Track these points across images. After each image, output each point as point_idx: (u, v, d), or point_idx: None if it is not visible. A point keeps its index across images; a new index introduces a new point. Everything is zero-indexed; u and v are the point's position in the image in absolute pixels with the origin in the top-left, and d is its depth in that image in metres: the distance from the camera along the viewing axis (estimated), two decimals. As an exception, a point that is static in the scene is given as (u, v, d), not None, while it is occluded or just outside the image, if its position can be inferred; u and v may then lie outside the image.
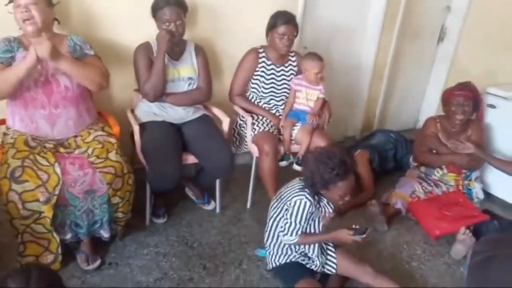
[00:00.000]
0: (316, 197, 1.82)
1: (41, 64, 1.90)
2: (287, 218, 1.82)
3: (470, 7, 3.45)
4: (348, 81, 3.41)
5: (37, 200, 1.80)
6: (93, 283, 1.96)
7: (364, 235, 1.80)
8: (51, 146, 1.96)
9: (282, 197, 1.89)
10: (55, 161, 1.87)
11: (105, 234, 2.04)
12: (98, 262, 2.04)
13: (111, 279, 2.00)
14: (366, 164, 2.97)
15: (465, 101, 2.66)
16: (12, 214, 1.81)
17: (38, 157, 1.86)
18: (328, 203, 1.89)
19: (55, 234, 1.89)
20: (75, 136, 2.06)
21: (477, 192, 2.80)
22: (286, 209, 1.83)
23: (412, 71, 3.75)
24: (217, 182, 2.49)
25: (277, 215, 1.90)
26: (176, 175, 2.18)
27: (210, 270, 2.12)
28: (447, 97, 2.76)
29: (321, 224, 1.90)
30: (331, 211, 1.90)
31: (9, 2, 1.93)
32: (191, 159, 2.31)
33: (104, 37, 2.33)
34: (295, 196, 1.80)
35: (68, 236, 1.96)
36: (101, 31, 2.33)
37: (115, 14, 2.32)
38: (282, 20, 2.43)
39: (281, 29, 2.43)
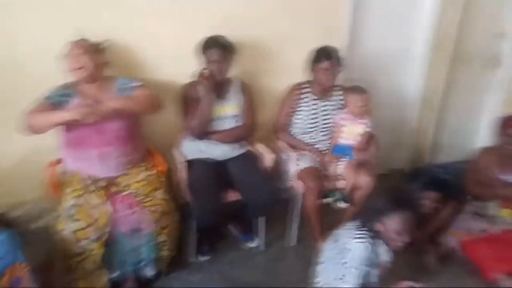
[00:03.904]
0: (375, 240, 1.75)
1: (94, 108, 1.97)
2: (346, 262, 1.74)
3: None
4: (396, 111, 3.31)
5: (88, 238, 1.86)
6: (138, 321, 1.97)
7: None
8: (103, 184, 2.03)
9: (340, 239, 1.83)
10: (106, 199, 1.93)
11: (150, 272, 2.07)
12: (142, 300, 2.07)
13: (155, 318, 2.01)
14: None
15: None
16: (66, 252, 1.88)
17: (90, 196, 1.94)
18: (386, 251, 1.79)
19: (103, 271, 1.94)
20: (125, 174, 2.12)
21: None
22: (340, 253, 1.77)
23: (465, 100, 3.57)
24: (261, 218, 2.47)
25: (334, 257, 1.83)
26: (218, 212, 2.18)
27: (254, 311, 2.07)
28: (501, 126, 2.61)
29: (377, 273, 1.79)
30: (388, 259, 1.80)
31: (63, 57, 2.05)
32: (234, 195, 2.31)
33: (148, 77, 2.42)
34: (355, 239, 1.75)
35: (115, 273, 2.01)
36: (145, 71, 2.42)
37: (158, 54, 2.42)
38: (325, 55, 2.43)
39: (324, 64, 2.42)
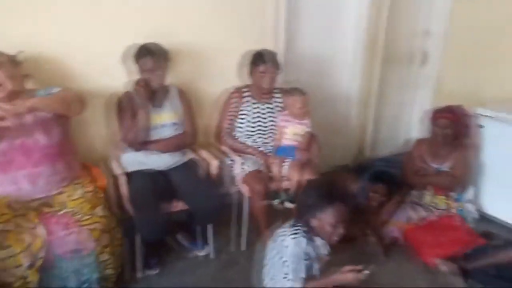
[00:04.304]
0: (310, 235, 1.77)
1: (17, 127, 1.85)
2: (286, 261, 1.75)
3: (448, 30, 3.52)
4: (336, 111, 3.42)
5: (22, 265, 1.73)
6: None
7: (368, 271, 1.75)
8: (35, 206, 1.90)
9: (278, 238, 1.84)
10: (39, 222, 1.82)
11: (94, 293, 1.97)
12: (89, 324, 1.96)
13: None
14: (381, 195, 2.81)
15: (447, 124, 2.67)
16: (-3, 282, 1.74)
17: (21, 220, 1.80)
18: (323, 245, 1.83)
19: (41, 300, 1.81)
20: (60, 193, 2.00)
21: (470, 212, 2.77)
22: (280, 253, 1.78)
23: (399, 96, 3.77)
24: (209, 226, 2.44)
25: (274, 257, 1.84)
26: (165, 223, 2.13)
27: (208, 322, 2.04)
28: (431, 118, 2.77)
29: (317, 267, 1.83)
30: (326, 253, 1.85)
31: None
32: (180, 205, 2.26)
33: (82, 87, 2.32)
34: (290, 235, 1.77)
35: (56, 299, 1.88)
36: (79, 82, 2.31)
37: (92, 64, 2.31)
38: (263, 58, 2.45)
39: (262, 67, 2.44)
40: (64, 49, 2.23)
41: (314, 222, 1.76)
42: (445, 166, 2.80)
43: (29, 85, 2.06)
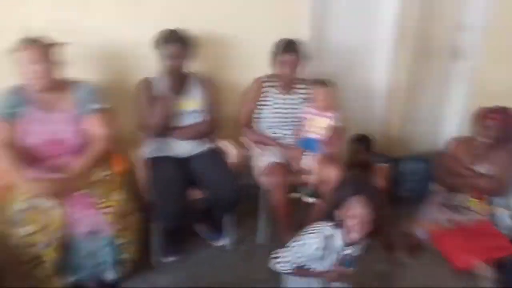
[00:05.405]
0: (330, 238, 1.73)
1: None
2: (288, 246, 1.77)
3: (486, 24, 3.33)
4: (362, 105, 3.31)
5: (40, 243, 1.76)
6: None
7: None
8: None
9: (305, 233, 1.82)
10: (59, 201, 1.84)
11: (110, 276, 1.98)
12: (104, 306, 1.98)
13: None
14: (382, 177, 2.83)
15: (494, 126, 2.52)
16: (15, 259, 1.77)
17: (40, 199, 1.83)
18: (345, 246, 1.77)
19: (57, 279, 1.84)
20: (80, 176, 2.02)
21: (504, 219, 2.59)
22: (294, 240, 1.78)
23: (430, 92, 3.61)
24: (227, 216, 2.41)
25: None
26: (182, 211, 2.11)
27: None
28: (479, 116, 2.61)
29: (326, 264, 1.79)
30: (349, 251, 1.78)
31: None
32: (198, 194, 2.24)
33: (109, 75, 2.34)
34: (311, 232, 1.76)
35: (71, 279, 1.91)
36: (109, 70, 2.34)
37: (121, 51, 2.34)
38: (284, 47, 2.38)
39: (283, 56, 2.38)
40: (96, 37, 2.26)
41: (339, 212, 1.71)
42: (485, 169, 2.63)
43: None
